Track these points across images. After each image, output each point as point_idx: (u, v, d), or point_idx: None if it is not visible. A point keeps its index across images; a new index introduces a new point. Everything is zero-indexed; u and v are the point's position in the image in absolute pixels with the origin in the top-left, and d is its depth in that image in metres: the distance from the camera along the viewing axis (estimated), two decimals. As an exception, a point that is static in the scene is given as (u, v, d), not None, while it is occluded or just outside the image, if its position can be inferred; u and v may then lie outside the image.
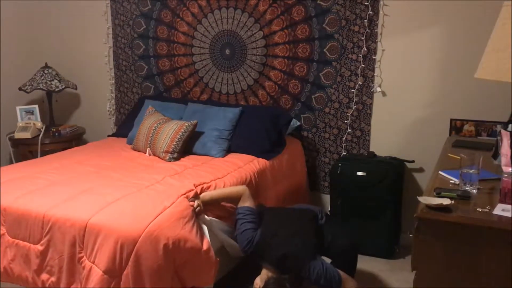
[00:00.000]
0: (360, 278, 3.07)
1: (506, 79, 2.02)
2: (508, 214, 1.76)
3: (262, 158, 3.25)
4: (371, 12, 3.36)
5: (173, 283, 2.20)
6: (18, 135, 3.99)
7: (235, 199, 2.62)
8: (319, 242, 2.49)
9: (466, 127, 3.25)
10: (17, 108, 4.19)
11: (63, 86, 4.22)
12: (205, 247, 2.31)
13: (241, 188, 2.67)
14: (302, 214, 2.66)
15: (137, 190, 2.54)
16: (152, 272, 2.10)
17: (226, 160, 3.19)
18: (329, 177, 3.51)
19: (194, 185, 2.62)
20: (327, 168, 3.72)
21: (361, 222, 3.32)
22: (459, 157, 2.07)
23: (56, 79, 4.20)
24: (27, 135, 3.97)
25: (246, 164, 3.11)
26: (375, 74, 3.45)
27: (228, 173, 2.92)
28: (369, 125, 3.54)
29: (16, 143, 4.06)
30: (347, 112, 3.57)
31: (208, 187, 2.68)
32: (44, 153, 3.88)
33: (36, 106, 4.27)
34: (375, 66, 3.44)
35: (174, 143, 3.22)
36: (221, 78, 3.97)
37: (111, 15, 4.29)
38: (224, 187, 2.73)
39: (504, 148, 2.17)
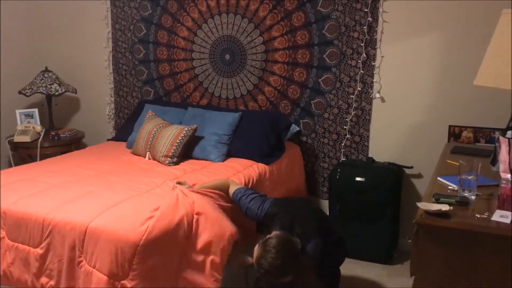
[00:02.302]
0: (358, 284, 3.08)
1: (505, 86, 2.03)
2: (506, 220, 1.77)
3: (261, 163, 3.26)
4: (370, 19, 3.38)
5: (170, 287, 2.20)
6: (17, 138, 3.99)
7: (224, 189, 2.68)
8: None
9: (464, 133, 3.26)
10: (17, 111, 4.19)
11: (63, 90, 4.23)
12: (200, 256, 2.31)
13: (226, 179, 2.78)
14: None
15: (137, 194, 2.55)
16: (151, 276, 2.10)
17: (226, 165, 3.20)
18: (328, 182, 3.52)
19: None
20: (326, 173, 3.73)
21: (359, 227, 3.33)
22: (458, 163, 2.08)
23: (56, 83, 4.21)
24: (26, 138, 3.97)
25: (245, 169, 3.12)
26: (374, 80, 3.47)
27: (227, 178, 2.92)
28: (368, 130, 3.55)
29: (16, 147, 4.06)
30: (346, 118, 3.59)
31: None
32: (43, 156, 3.87)
33: (36, 110, 4.27)
34: (374, 72, 3.46)
35: (174, 147, 3.23)
36: (221, 83, 3.98)
37: (111, 20, 4.31)
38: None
39: (503, 155, 2.18)
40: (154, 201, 2.46)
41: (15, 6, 4.35)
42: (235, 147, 3.42)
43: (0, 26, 4.20)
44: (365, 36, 3.42)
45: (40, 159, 3.81)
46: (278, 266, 2.15)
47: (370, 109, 3.52)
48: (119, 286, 2.11)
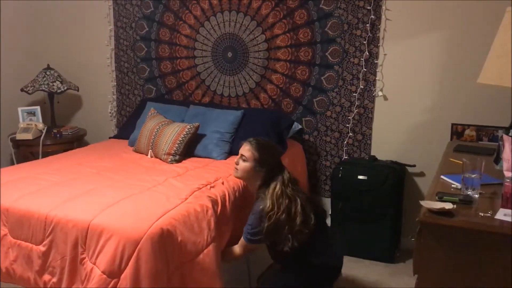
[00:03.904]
0: (360, 283, 3.08)
1: (508, 84, 2.03)
2: (509, 219, 1.77)
3: (263, 161, 3.25)
4: (373, 17, 3.38)
5: (169, 286, 2.20)
6: (19, 136, 3.99)
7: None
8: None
9: (467, 131, 3.26)
10: (19, 109, 4.20)
11: (65, 88, 4.23)
12: (202, 256, 2.31)
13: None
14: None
15: (139, 192, 2.55)
16: (150, 275, 2.09)
17: (227, 163, 3.20)
18: (330, 181, 3.51)
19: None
20: (328, 171, 3.72)
21: (361, 226, 3.33)
22: (461, 162, 2.08)
23: (58, 81, 4.21)
24: (28, 136, 3.98)
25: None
26: (376, 78, 3.46)
27: (229, 175, 2.92)
28: (371, 129, 3.55)
29: (18, 144, 4.06)
30: (348, 116, 3.58)
31: (213, 186, 2.70)
32: (45, 154, 3.89)
33: (38, 107, 4.28)
34: (377, 70, 3.45)
35: (176, 145, 3.22)
36: (223, 81, 3.98)
37: (113, 17, 4.30)
38: (227, 189, 2.73)
39: (506, 153, 2.17)
40: (157, 199, 2.46)
41: (17, 4, 4.35)
42: (237, 145, 3.39)
43: (0, 25, 4.20)
44: (367, 34, 3.41)
45: (42, 157, 3.81)
46: (266, 142, 2.59)
47: (373, 107, 3.52)
48: (118, 283, 2.10)
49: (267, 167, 2.48)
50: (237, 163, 2.56)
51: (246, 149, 2.52)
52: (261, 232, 2.35)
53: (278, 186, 2.40)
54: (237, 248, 2.51)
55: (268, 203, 2.35)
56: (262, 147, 2.52)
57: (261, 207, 2.37)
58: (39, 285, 2.31)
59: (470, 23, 3.16)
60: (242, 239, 2.48)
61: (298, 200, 2.37)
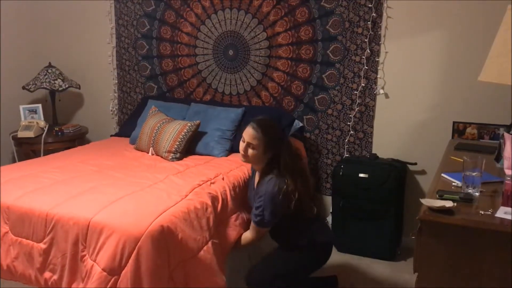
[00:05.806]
0: (361, 281, 3.08)
1: (508, 83, 2.03)
2: (510, 217, 1.77)
3: (264, 158, 3.25)
4: (374, 14, 3.37)
5: (170, 284, 2.20)
6: (21, 134, 4.00)
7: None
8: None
9: (468, 130, 3.25)
10: (21, 107, 4.20)
11: (67, 86, 4.24)
12: (203, 252, 2.31)
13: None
14: None
15: (140, 189, 2.55)
16: (151, 272, 2.10)
17: (229, 159, 3.21)
18: (331, 179, 3.51)
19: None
20: (329, 169, 3.72)
21: (362, 224, 3.33)
22: (462, 160, 2.08)
23: (60, 79, 4.21)
24: (30, 134, 3.98)
25: (248, 164, 3.11)
26: (378, 76, 3.46)
27: (230, 171, 2.93)
28: (372, 127, 3.54)
29: (19, 142, 4.07)
30: (349, 114, 3.58)
31: (214, 183, 2.72)
32: (47, 152, 3.89)
33: (40, 105, 4.28)
34: (378, 68, 3.45)
35: (177, 143, 3.23)
36: (224, 78, 3.98)
37: (114, 15, 4.30)
38: (227, 185, 2.75)
39: (507, 151, 2.17)
40: (158, 196, 2.46)
41: (18, 3, 4.36)
42: (238, 143, 3.39)
43: (1, 23, 4.20)
44: (369, 32, 3.41)
45: (44, 155, 3.82)
46: (268, 122, 2.58)
47: (374, 105, 3.51)
48: (119, 280, 2.11)
49: (275, 148, 2.51)
50: (245, 151, 2.55)
51: (252, 137, 2.50)
52: (278, 213, 2.46)
53: (288, 161, 2.48)
54: (248, 233, 2.60)
55: (288, 180, 2.43)
56: (267, 129, 2.52)
57: (281, 186, 2.43)
58: (40, 282, 2.32)
59: (471, 21, 3.15)
60: (253, 224, 2.54)
61: (306, 169, 2.60)
